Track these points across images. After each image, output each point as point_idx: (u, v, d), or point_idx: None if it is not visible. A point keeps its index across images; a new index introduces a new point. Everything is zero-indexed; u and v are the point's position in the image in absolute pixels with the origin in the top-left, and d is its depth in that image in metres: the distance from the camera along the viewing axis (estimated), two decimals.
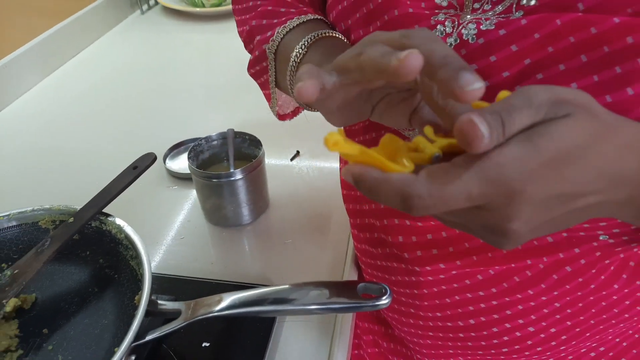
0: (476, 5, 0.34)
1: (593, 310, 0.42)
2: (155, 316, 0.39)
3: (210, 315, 0.37)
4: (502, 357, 0.47)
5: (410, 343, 0.53)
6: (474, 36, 0.32)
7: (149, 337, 0.37)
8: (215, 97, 0.89)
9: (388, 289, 0.36)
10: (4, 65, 0.87)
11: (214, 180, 0.57)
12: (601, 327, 0.43)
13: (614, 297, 0.41)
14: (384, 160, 0.25)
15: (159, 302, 0.40)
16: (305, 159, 0.72)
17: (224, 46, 1.07)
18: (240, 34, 0.50)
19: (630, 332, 0.47)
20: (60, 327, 0.43)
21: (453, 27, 0.33)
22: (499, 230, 0.25)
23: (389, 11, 0.36)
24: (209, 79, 0.95)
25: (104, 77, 0.97)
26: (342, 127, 0.26)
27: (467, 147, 0.22)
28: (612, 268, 0.39)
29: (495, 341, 0.45)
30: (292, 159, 0.71)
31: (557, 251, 0.38)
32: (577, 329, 0.43)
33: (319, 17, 0.42)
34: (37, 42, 0.95)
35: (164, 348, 0.46)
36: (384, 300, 0.35)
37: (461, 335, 0.46)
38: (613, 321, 0.43)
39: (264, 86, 0.47)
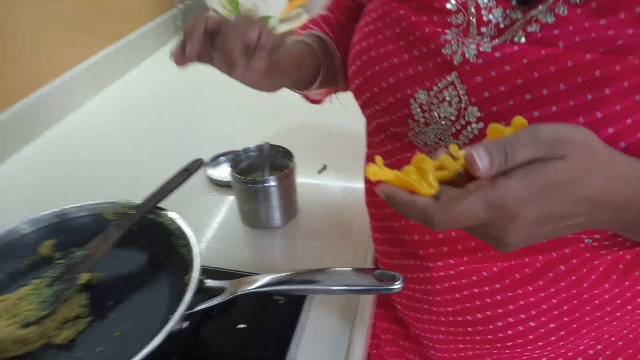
0: (477, 38, 0.41)
1: (587, 308, 0.47)
2: (202, 292, 0.47)
3: (250, 290, 0.44)
4: (507, 350, 0.52)
5: (425, 339, 0.58)
6: (474, 56, 0.40)
7: (199, 307, 0.44)
8: (252, 114, 0.98)
9: (400, 276, 0.42)
10: (65, 81, 0.98)
11: (251, 185, 0.65)
12: (596, 324, 0.49)
13: (606, 296, 0.46)
14: (414, 185, 0.31)
15: (206, 280, 0.47)
16: (332, 172, 0.79)
17: None
18: None
19: (625, 332, 0.52)
20: (122, 301, 0.50)
21: (458, 46, 0.41)
22: (498, 241, 0.32)
23: (414, 32, 0.44)
24: (245, 97, 1.04)
25: (151, 94, 1.08)
26: (380, 157, 0.34)
27: (472, 173, 0.29)
28: (601, 269, 0.45)
29: (500, 335, 0.50)
30: (319, 172, 0.79)
31: (550, 250, 0.44)
32: (574, 325, 0.48)
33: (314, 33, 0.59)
34: (94, 61, 1.06)
35: (200, 336, 0.53)
36: (397, 285, 0.41)
37: (470, 329, 0.52)
38: (606, 319, 0.48)
39: None
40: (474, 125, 0.41)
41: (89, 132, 0.94)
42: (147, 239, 0.55)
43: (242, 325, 0.53)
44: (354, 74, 0.51)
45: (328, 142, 0.85)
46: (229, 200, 0.74)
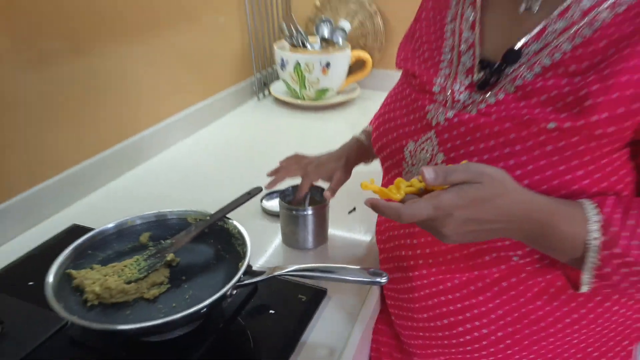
0: (449, 110, 0.61)
1: (526, 321, 0.62)
2: (249, 274, 0.66)
3: (283, 273, 0.63)
4: (468, 355, 0.67)
5: (410, 347, 0.74)
6: (444, 120, 0.60)
7: (246, 282, 0.64)
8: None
9: (386, 274, 0.60)
10: (167, 124, 1.26)
11: (294, 212, 0.85)
12: (535, 337, 0.63)
13: (540, 313, 0.61)
14: (389, 193, 0.51)
15: (252, 265, 0.67)
16: (359, 213, 0.98)
17: (316, 130, 1.41)
18: None
19: (566, 355, 0.65)
20: (193, 278, 0.71)
21: (435, 113, 0.61)
22: (439, 232, 0.50)
23: (413, 104, 0.66)
24: (298, 149, 1.28)
25: (228, 141, 1.34)
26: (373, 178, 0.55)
27: (424, 182, 0.49)
28: (535, 289, 0.60)
29: (461, 339, 0.66)
30: (349, 212, 0.98)
31: (491, 266, 0.60)
32: (517, 336, 0.63)
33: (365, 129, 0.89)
34: (188, 112, 1.34)
35: (239, 322, 0.72)
36: (383, 279, 0.59)
37: (440, 334, 0.67)
38: (543, 334, 0.62)
39: None
40: (440, 165, 0.60)
41: (180, 163, 1.21)
42: (214, 238, 0.76)
43: (272, 311, 0.72)
44: (374, 129, 0.72)
45: (358, 189, 1.05)
46: (275, 226, 0.94)
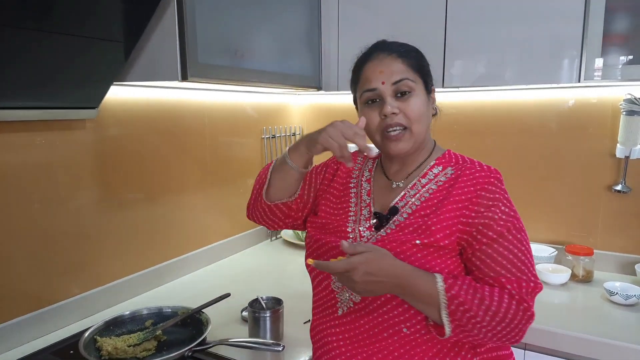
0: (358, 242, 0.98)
1: None
2: (204, 344, 1.00)
3: (218, 342, 0.97)
4: None
5: None
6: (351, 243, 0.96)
7: (200, 347, 0.98)
8: (282, 284, 1.56)
9: (283, 345, 0.92)
10: (196, 254, 1.70)
11: (257, 314, 1.19)
12: None
13: None
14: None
15: (207, 339, 1.01)
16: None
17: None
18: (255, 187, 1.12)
19: None
20: (171, 348, 1.05)
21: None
22: (350, 280, 0.84)
23: (322, 248, 1.03)
24: (300, 277, 1.64)
25: (243, 271, 1.74)
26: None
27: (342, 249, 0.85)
28: (420, 355, 0.87)
29: None
30: (304, 323, 1.30)
31: (388, 339, 0.89)
32: None
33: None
34: (212, 246, 1.78)
35: None
36: (279, 348, 0.91)
37: None
38: None
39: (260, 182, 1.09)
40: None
41: (199, 283, 1.61)
42: (192, 325, 1.12)
43: None
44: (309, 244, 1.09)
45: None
46: (245, 328, 1.27)
